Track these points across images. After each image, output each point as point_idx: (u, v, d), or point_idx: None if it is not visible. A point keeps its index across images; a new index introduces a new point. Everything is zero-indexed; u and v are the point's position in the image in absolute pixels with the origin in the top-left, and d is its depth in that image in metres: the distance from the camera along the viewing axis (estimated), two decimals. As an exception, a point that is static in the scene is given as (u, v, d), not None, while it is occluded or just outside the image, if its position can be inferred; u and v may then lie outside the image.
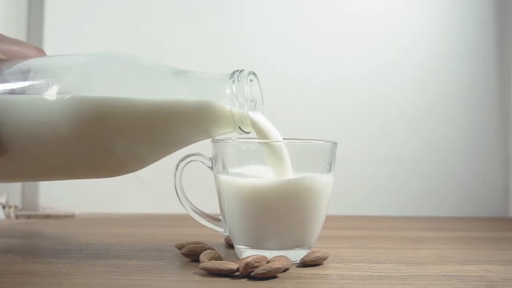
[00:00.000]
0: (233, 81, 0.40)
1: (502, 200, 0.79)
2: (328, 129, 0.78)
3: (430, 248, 0.51)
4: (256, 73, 0.43)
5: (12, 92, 0.40)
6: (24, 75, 0.41)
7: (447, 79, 0.80)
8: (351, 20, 0.79)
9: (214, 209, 0.45)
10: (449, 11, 0.80)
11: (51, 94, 0.39)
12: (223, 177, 0.42)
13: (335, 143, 0.43)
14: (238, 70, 0.41)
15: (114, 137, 0.39)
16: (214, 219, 0.45)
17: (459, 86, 0.80)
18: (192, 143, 0.43)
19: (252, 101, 0.42)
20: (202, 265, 0.38)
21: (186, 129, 0.41)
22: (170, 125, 0.40)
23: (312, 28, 0.79)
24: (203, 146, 0.45)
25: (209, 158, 0.44)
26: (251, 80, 0.42)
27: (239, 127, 0.41)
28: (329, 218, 0.45)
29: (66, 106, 0.38)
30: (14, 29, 0.73)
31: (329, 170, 0.42)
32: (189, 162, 0.44)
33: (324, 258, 0.42)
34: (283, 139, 0.42)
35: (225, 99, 0.40)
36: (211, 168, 0.44)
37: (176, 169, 0.44)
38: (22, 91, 0.40)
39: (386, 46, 0.79)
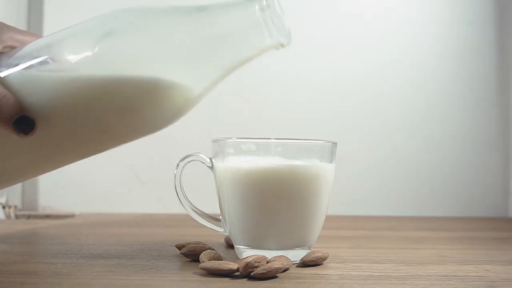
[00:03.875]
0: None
1: (502, 200, 0.79)
2: (328, 128, 0.78)
3: (430, 248, 0.51)
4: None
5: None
6: (39, 52, 0.39)
7: (447, 79, 0.80)
8: (351, 20, 0.79)
9: (214, 209, 0.45)
10: (449, 11, 0.80)
11: (58, 71, 0.37)
12: (222, 166, 0.42)
13: (335, 143, 0.43)
14: None
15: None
16: (214, 219, 0.45)
17: (459, 85, 0.80)
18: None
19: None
20: (202, 265, 0.38)
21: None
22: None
23: (312, 28, 0.79)
24: (203, 147, 0.45)
25: (209, 158, 0.44)
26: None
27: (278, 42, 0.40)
28: (329, 218, 0.45)
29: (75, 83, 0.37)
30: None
31: (331, 162, 0.42)
32: (189, 162, 0.44)
33: (324, 258, 0.42)
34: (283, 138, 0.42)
35: (260, 19, 0.39)
36: (211, 168, 0.44)
37: (176, 169, 0.44)
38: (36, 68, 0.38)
39: (386, 46, 0.79)
